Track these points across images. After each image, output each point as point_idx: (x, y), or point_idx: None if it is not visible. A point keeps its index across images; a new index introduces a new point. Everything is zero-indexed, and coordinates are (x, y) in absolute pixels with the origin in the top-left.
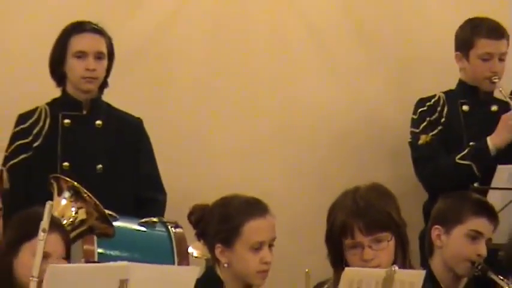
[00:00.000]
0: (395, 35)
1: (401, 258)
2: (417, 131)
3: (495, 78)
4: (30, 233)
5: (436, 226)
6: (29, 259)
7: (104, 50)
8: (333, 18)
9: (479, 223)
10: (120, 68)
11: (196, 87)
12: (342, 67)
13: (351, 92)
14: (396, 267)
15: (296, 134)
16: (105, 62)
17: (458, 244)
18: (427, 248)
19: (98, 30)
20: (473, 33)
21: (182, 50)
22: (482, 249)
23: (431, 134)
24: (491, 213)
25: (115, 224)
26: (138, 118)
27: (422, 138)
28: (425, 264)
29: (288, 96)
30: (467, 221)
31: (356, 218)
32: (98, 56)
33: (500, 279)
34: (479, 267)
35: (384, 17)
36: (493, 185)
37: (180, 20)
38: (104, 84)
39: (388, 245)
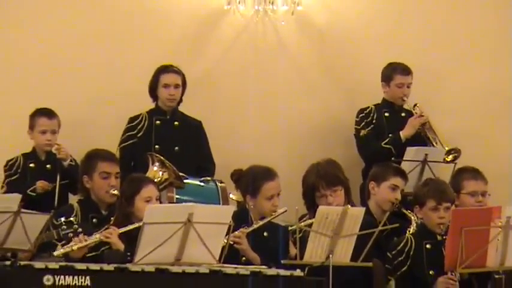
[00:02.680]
0: (348, 68)
1: (347, 200)
2: (359, 127)
3: (405, 97)
4: (138, 188)
5: (372, 182)
6: (142, 204)
7: (180, 82)
8: (309, 54)
9: (397, 180)
10: (190, 90)
11: (233, 101)
12: (315, 87)
13: (320, 103)
14: (349, 206)
15: (289, 129)
16: (180, 89)
17: (384, 192)
18: (366, 195)
19: (176, 71)
20: (392, 71)
21: (225, 81)
22: (398, 196)
23: (367, 129)
24: (403, 175)
25: (185, 181)
26: (199, 121)
27: (362, 132)
28: (364, 204)
29: (286, 107)
30: (390, 179)
31: (320, 179)
32: (176, 86)
33: (408, 212)
34: (397, 206)
35: (343, 55)
36: (404, 158)
37: (224, 63)
38: (179, 101)
39: (340, 193)
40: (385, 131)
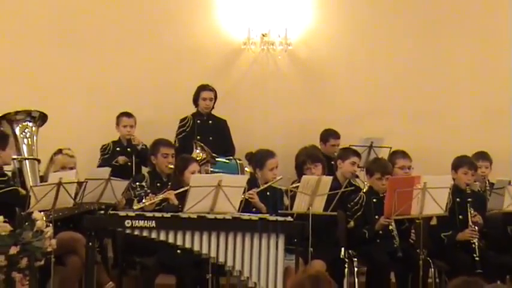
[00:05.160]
0: (322, 87)
1: (324, 172)
2: None
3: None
4: (187, 165)
5: (339, 159)
6: (189, 175)
7: (213, 96)
8: (296, 78)
9: (355, 158)
10: (219, 100)
11: (247, 108)
12: (300, 100)
13: (303, 110)
14: (323, 176)
15: (283, 126)
16: (213, 101)
17: (347, 167)
18: (334, 168)
19: (211, 89)
20: (329, 136)
21: (241, 95)
22: (356, 169)
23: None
24: (359, 155)
25: (217, 159)
26: (225, 120)
27: None
28: (332, 175)
29: (281, 112)
30: (350, 158)
31: (307, 158)
32: (210, 100)
33: (360, 181)
34: (355, 175)
35: (319, 79)
36: (358, 145)
37: (241, 83)
38: (212, 108)
39: (320, 167)
40: None
